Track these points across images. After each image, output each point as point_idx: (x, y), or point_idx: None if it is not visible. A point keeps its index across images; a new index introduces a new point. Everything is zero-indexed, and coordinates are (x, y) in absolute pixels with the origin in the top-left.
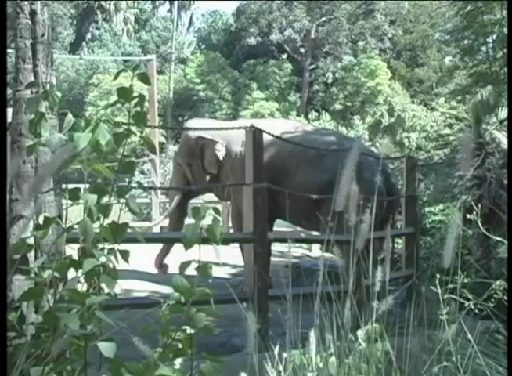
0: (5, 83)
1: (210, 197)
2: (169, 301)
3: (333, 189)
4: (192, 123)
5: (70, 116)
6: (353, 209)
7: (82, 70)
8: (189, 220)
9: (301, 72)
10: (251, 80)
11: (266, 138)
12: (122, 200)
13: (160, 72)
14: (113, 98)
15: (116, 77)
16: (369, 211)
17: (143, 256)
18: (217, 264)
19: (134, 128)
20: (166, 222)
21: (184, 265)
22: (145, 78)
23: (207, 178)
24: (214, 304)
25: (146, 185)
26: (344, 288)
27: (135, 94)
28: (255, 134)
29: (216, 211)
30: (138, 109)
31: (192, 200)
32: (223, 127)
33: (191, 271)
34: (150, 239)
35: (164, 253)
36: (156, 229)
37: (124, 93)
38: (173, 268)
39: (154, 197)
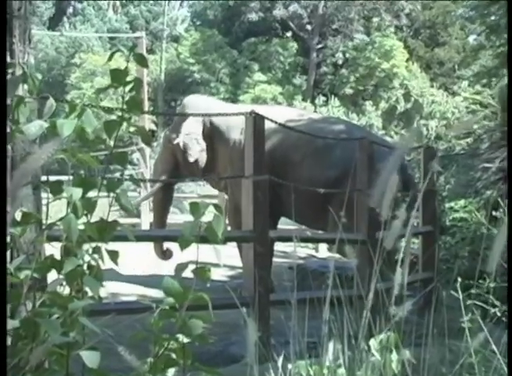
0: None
1: (205, 190)
2: (161, 306)
3: (343, 184)
4: (190, 100)
5: (51, 100)
6: (387, 202)
7: (63, 48)
8: (183, 216)
9: (307, 52)
10: (252, 60)
11: (267, 126)
12: (110, 195)
13: (150, 51)
14: (98, 80)
15: (110, 59)
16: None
17: (132, 256)
18: (217, 266)
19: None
20: (151, 217)
21: (180, 267)
22: (141, 59)
23: (201, 161)
24: (209, 309)
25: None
26: (356, 293)
27: (131, 77)
28: (256, 121)
29: (218, 208)
30: (132, 93)
31: (187, 195)
32: (220, 113)
33: (186, 273)
34: (141, 237)
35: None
36: (146, 226)
37: (118, 76)
38: (166, 269)
39: (143, 190)
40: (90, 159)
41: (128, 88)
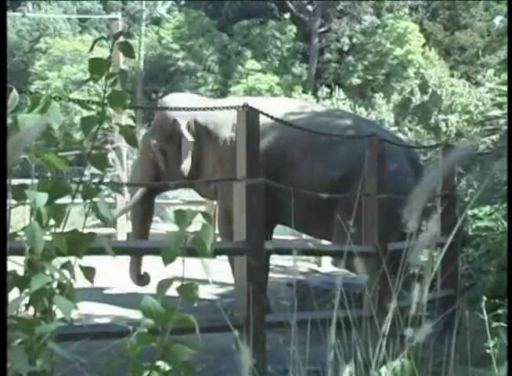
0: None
1: (191, 195)
2: (140, 329)
3: (349, 186)
4: (170, 99)
5: (14, 92)
6: (417, 213)
7: (26, 31)
8: (166, 226)
9: (308, 36)
10: (244, 46)
11: (263, 121)
12: (86, 202)
13: (127, 35)
14: (66, 68)
15: (92, 48)
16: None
17: (107, 271)
18: (205, 282)
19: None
20: (129, 227)
21: (164, 284)
22: (127, 48)
23: (186, 169)
24: (196, 333)
25: (109, 179)
26: (366, 313)
27: (113, 68)
28: (249, 115)
29: (206, 216)
30: (115, 87)
31: (170, 201)
32: (208, 107)
33: (170, 291)
34: (119, 249)
35: (137, 261)
36: (122, 237)
37: (99, 66)
38: (148, 287)
39: (119, 196)
40: (57, 160)
41: (109, 80)
